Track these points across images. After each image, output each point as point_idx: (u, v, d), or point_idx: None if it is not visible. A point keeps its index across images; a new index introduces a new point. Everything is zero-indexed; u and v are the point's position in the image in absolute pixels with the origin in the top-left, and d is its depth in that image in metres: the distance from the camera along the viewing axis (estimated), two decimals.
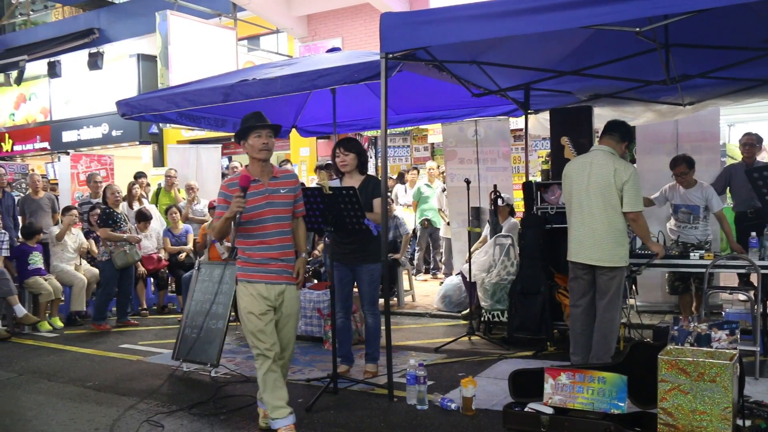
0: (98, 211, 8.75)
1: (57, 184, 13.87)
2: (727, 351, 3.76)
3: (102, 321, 8.23)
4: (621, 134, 5.29)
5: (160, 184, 11.51)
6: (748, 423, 3.88)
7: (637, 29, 4.50)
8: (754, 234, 5.74)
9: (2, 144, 20.35)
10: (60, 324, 8.47)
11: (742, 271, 5.84)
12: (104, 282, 8.37)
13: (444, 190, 10.36)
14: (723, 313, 6.56)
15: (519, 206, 8.92)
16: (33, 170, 14.68)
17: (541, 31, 4.49)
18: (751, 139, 7.31)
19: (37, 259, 8.54)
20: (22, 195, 11.29)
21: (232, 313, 6.32)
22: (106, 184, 9.10)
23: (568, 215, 5.35)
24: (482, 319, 7.04)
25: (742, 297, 7.13)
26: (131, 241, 8.51)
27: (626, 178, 5.03)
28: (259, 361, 4.20)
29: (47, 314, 8.40)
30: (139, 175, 11.48)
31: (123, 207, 10.47)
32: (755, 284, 5.72)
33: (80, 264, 8.94)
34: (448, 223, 10.26)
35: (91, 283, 8.78)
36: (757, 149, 7.39)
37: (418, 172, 11.92)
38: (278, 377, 4.22)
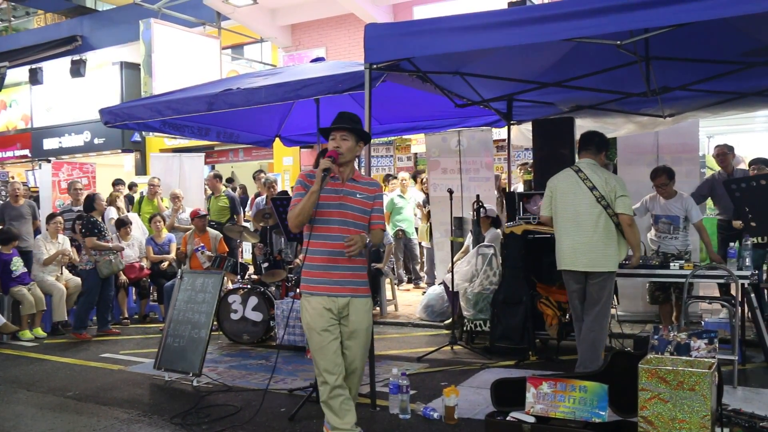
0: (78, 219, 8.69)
1: (38, 191, 13.75)
2: (705, 360, 3.81)
3: (82, 330, 8.16)
4: (597, 146, 5.45)
5: (142, 193, 11.46)
6: (726, 431, 3.93)
7: (618, 42, 4.57)
8: (732, 244, 5.83)
9: None
10: (42, 333, 8.38)
11: (722, 281, 5.93)
12: (87, 291, 8.29)
13: (427, 201, 10.38)
14: (702, 322, 6.63)
15: None
16: (13, 177, 14.53)
17: (524, 44, 4.55)
18: (723, 150, 7.50)
19: (19, 265, 8.45)
20: (1, 202, 11.18)
21: (214, 323, 6.30)
22: (91, 193, 9.05)
23: (559, 226, 5.35)
24: (465, 328, 7.05)
25: (720, 306, 7.22)
26: (115, 250, 8.50)
27: (617, 185, 5.22)
28: (321, 387, 3.89)
29: (28, 323, 8.31)
30: (117, 182, 11.45)
31: (111, 212, 10.44)
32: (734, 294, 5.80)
33: (61, 274, 8.86)
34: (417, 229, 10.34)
35: (72, 294, 8.68)
36: (730, 157, 7.53)
37: (401, 182, 11.95)
38: (345, 399, 3.89)
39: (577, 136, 7.34)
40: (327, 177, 3.77)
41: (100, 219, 8.49)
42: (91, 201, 8.48)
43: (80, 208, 9.20)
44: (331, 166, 3.78)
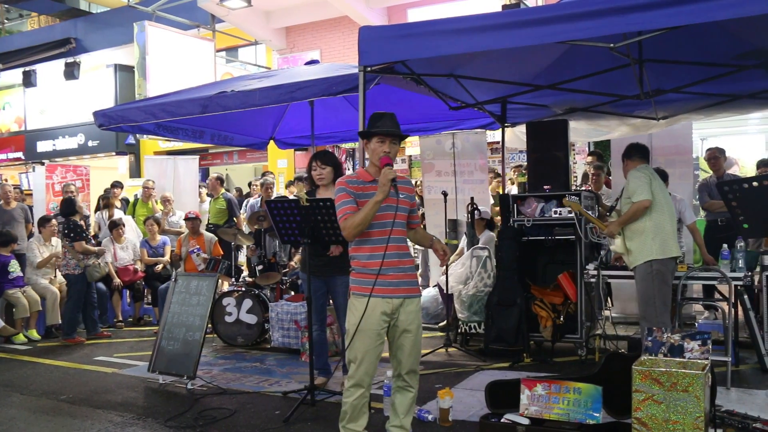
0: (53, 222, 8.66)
1: (31, 194, 13.72)
2: (699, 361, 3.82)
3: (74, 334, 8.13)
4: (646, 155, 5.83)
5: (137, 195, 11.45)
6: None
7: (612, 45, 4.59)
8: (726, 246, 5.85)
9: None
10: (37, 336, 8.35)
11: (712, 282, 5.96)
12: (75, 295, 8.19)
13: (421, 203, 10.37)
14: (696, 323, 6.65)
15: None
16: (6, 180, 14.48)
17: (518, 46, 4.56)
18: (714, 153, 7.59)
19: (16, 267, 8.43)
20: None
21: (209, 325, 6.29)
22: (68, 196, 9.00)
23: (665, 214, 5.52)
24: (459, 330, 7.06)
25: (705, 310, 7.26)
26: (100, 254, 8.48)
27: None
28: (351, 389, 3.82)
29: (23, 326, 8.29)
30: (115, 185, 11.43)
31: (101, 216, 10.43)
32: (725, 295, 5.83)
33: (55, 277, 8.83)
34: None
35: (66, 297, 8.63)
36: (722, 161, 7.59)
37: None
38: (366, 403, 3.87)
39: (571, 138, 7.38)
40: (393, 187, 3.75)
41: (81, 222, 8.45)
42: (71, 205, 8.39)
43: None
44: (396, 175, 3.74)
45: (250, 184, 13.42)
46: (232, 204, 10.74)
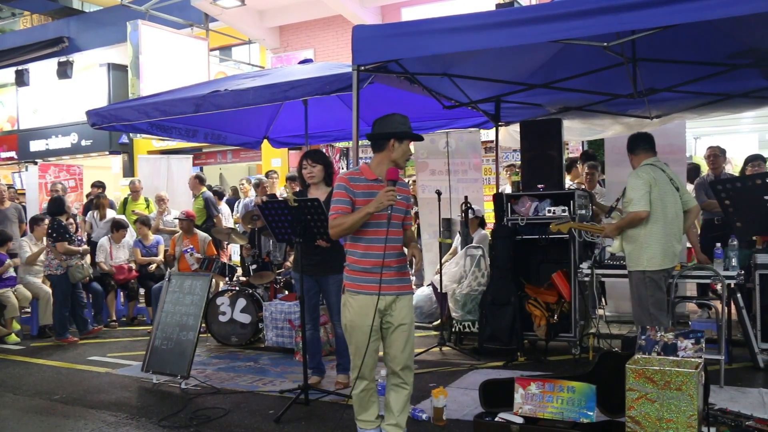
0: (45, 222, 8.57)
1: (24, 194, 13.68)
2: (692, 360, 3.82)
3: (66, 334, 8.09)
4: (651, 145, 5.51)
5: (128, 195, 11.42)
6: (713, 430, 3.95)
7: (605, 44, 4.59)
8: (719, 245, 5.86)
9: None
10: (17, 327, 8.37)
11: (707, 281, 5.97)
12: (60, 296, 8.10)
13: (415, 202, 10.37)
14: (689, 322, 6.67)
15: (489, 217, 8.96)
16: None
17: (511, 45, 4.57)
18: (715, 152, 7.56)
19: (12, 268, 8.41)
20: None
21: (203, 325, 6.28)
22: (58, 195, 8.96)
23: (665, 222, 5.25)
24: (453, 329, 7.06)
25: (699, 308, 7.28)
26: (84, 254, 8.43)
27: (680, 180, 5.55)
28: (357, 382, 3.95)
29: (12, 322, 8.27)
30: (95, 185, 11.37)
31: (92, 216, 10.38)
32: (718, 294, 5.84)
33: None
34: None
35: None
36: (722, 160, 7.59)
37: None
38: (373, 393, 4.03)
39: (565, 137, 7.38)
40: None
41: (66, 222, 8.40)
42: (60, 204, 8.32)
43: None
44: (396, 200, 3.75)
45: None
46: (209, 203, 10.55)
